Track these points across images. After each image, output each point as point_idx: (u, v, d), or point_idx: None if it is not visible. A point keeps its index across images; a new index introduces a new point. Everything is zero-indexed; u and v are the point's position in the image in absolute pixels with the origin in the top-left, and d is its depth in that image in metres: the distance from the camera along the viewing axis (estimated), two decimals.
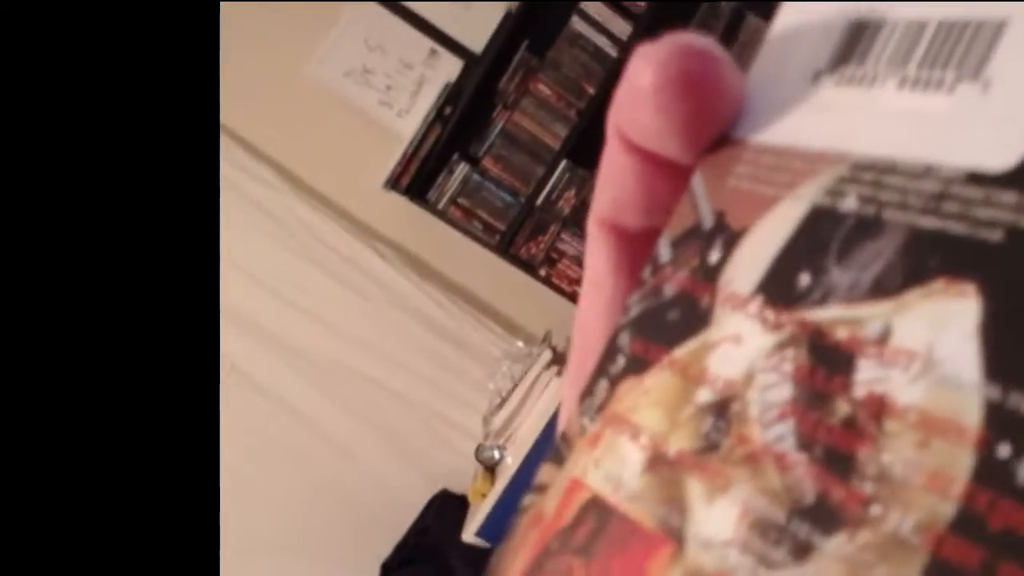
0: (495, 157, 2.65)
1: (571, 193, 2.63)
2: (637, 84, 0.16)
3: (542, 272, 2.65)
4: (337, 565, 2.51)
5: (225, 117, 2.55)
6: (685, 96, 0.16)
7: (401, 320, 2.61)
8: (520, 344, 2.56)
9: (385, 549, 2.48)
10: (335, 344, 2.58)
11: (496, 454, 2.29)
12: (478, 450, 2.32)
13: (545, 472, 0.17)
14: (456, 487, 2.55)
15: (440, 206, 2.62)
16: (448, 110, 2.62)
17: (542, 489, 0.17)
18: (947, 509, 0.11)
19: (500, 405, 2.39)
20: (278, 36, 2.61)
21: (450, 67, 2.68)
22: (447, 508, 2.47)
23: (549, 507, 0.16)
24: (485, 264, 2.68)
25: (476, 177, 2.63)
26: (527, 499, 0.17)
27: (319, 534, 2.54)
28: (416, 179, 2.61)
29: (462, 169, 2.62)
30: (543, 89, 2.63)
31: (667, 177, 0.18)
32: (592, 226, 0.19)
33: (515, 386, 2.38)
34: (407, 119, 2.66)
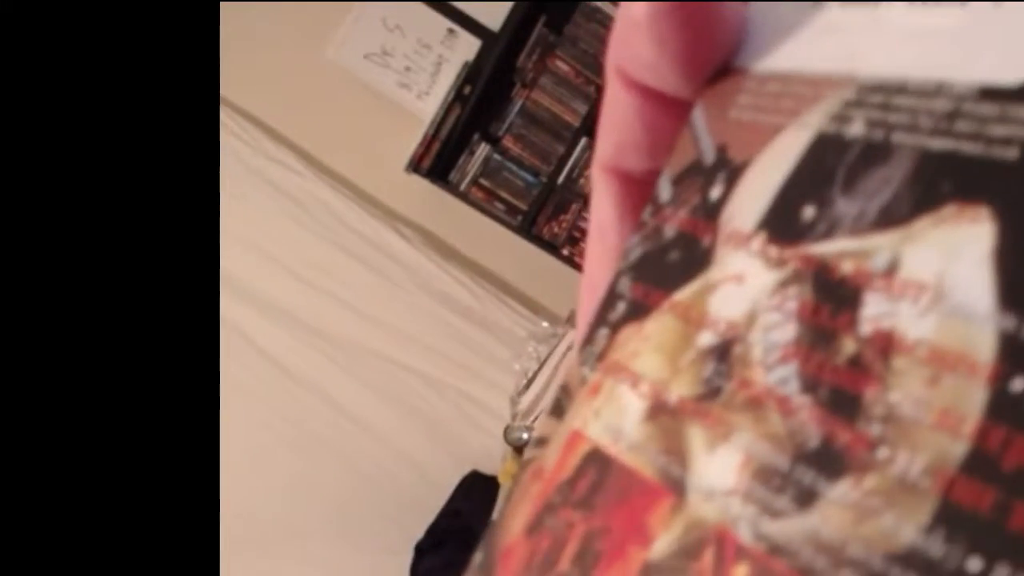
0: (515, 136, 2.63)
1: None
2: (631, 16, 0.15)
3: (565, 252, 2.63)
4: (371, 548, 2.53)
5: (246, 102, 2.56)
6: (681, 24, 0.15)
7: (426, 302, 2.61)
8: (545, 324, 2.55)
9: (418, 531, 2.49)
10: (361, 327, 2.59)
11: (524, 435, 2.29)
12: (506, 431, 2.32)
13: (546, 425, 0.16)
14: (486, 468, 2.55)
15: (462, 187, 2.61)
16: (467, 90, 2.61)
17: (543, 442, 0.16)
18: (958, 449, 0.10)
19: (527, 386, 2.39)
20: (298, 21, 2.61)
21: (468, 46, 2.67)
22: (478, 489, 2.48)
23: (550, 460, 0.16)
24: (508, 245, 2.67)
25: (497, 157, 2.62)
26: (528, 453, 0.17)
27: (352, 518, 2.55)
28: (437, 161, 2.60)
29: (483, 149, 2.61)
30: (561, 66, 2.61)
31: (670, 114, 0.17)
32: (596, 173, 0.19)
33: (541, 366, 2.38)
34: (427, 100, 2.66)
